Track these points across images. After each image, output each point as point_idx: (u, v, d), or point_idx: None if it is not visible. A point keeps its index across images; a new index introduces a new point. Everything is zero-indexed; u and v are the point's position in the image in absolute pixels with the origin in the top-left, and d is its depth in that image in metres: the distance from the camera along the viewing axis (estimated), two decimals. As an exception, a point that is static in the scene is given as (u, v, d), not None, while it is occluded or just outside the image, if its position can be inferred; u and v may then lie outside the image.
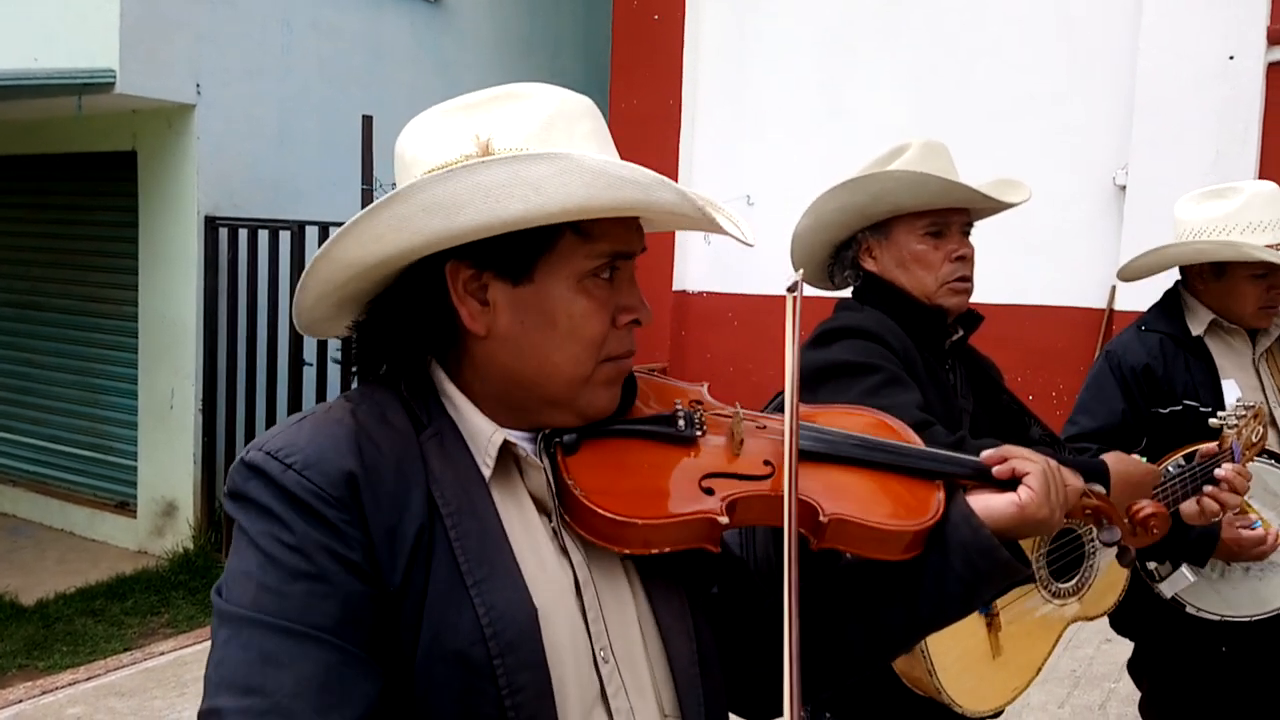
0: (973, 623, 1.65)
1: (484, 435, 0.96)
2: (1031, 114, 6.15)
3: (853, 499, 1.03)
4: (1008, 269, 5.50)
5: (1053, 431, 1.98)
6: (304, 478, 0.87)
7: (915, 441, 1.13)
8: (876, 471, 1.07)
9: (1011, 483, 1.06)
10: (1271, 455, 2.17)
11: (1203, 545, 2.08)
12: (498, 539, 0.91)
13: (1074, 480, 1.11)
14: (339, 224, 5.33)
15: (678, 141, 7.35)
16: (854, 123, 6.54)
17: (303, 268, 4.99)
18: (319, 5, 6.38)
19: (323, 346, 5.41)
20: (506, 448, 0.96)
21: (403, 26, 7.02)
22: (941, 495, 1.06)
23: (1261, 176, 5.56)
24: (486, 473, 0.94)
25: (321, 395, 5.44)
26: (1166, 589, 2.19)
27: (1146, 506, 1.28)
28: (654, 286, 7.00)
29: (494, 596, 0.88)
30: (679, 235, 7.32)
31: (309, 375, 5.42)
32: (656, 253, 7.24)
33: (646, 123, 7.39)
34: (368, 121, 4.86)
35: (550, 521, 0.98)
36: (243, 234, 5.68)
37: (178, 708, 3.86)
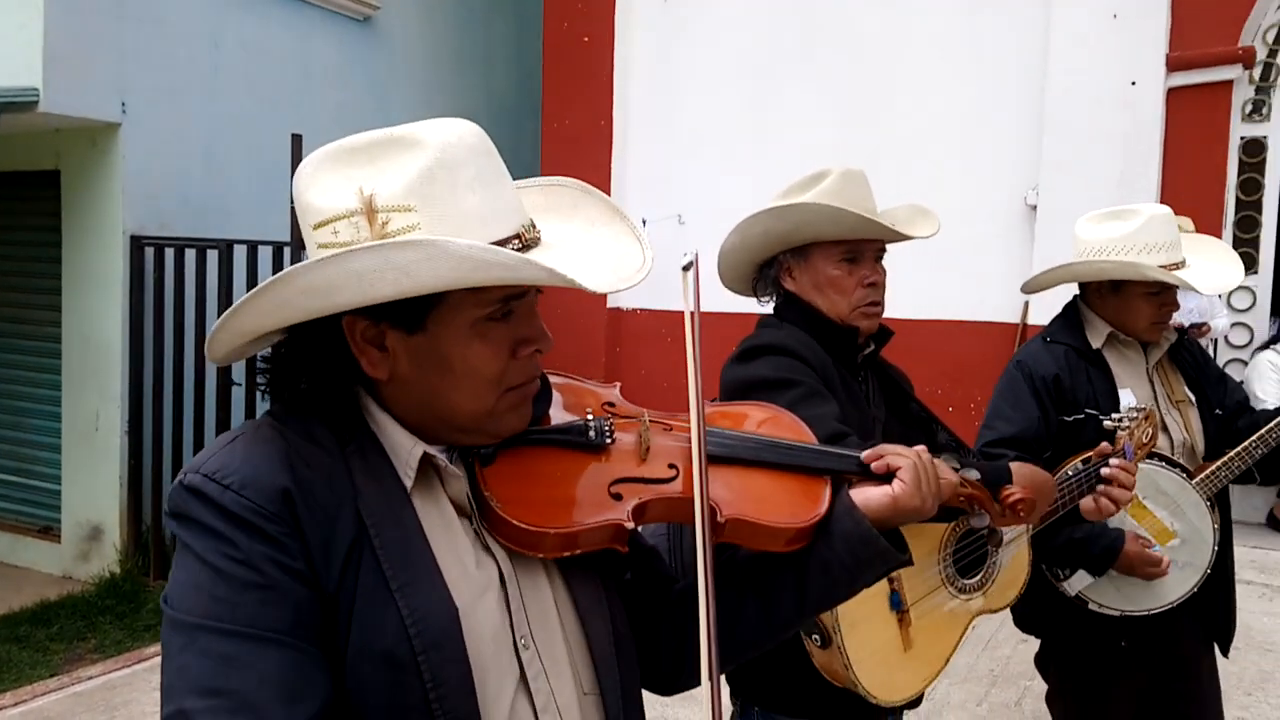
0: (885, 619, 1.76)
1: (405, 449, 1.02)
2: (948, 135, 6.40)
3: (750, 499, 1.13)
4: (927, 285, 5.71)
5: (959, 438, 2.10)
6: (243, 497, 0.93)
7: (808, 436, 1.24)
8: (772, 471, 1.17)
9: (889, 477, 1.17)
10: (1163, 459, 2.33)
11: (1105, 558, 2.24)
12: (420, 547, 0.98)
13: (947, 472, 1.23)
14: (267, 243, 5.30)
15: (610, 160, 7.47)
16: (780, 143, 6.72)
17: (230, 287, 4.95)
18: (247, 23, 6.35)
19: (251, 366, 5.38)
20: (426, 459, 1.03)
21: (332, 44, 7.02)
22: (829, 490, 1.17)
23: (1163, 195, 5.87)
24: (408, 484, 1.01)
25: (251, 415, 5.39)
26: (1070, 587, 2.33)
27: (1016, 493, 1.40)
28: (588, 305, 7.09)
29: (416, 600, 0.95)
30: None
31: (237, 395, 5.38)
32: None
33: (579, 141, 7.49)
34: (297, 140, 4.86)
35: (472, 523, 1.05)
36: (169, 253, 5.61)
37: (108, 733, 3.80)
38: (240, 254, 5.31)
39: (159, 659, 0.93)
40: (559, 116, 7.69)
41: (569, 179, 1.16)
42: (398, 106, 7.42)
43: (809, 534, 1.14)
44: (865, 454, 1.20)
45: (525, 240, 1.00)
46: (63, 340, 5.94)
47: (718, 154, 7.06)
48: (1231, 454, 2.33)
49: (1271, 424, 2.32)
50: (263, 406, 5.41)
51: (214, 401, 5.37)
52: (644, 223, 6.47)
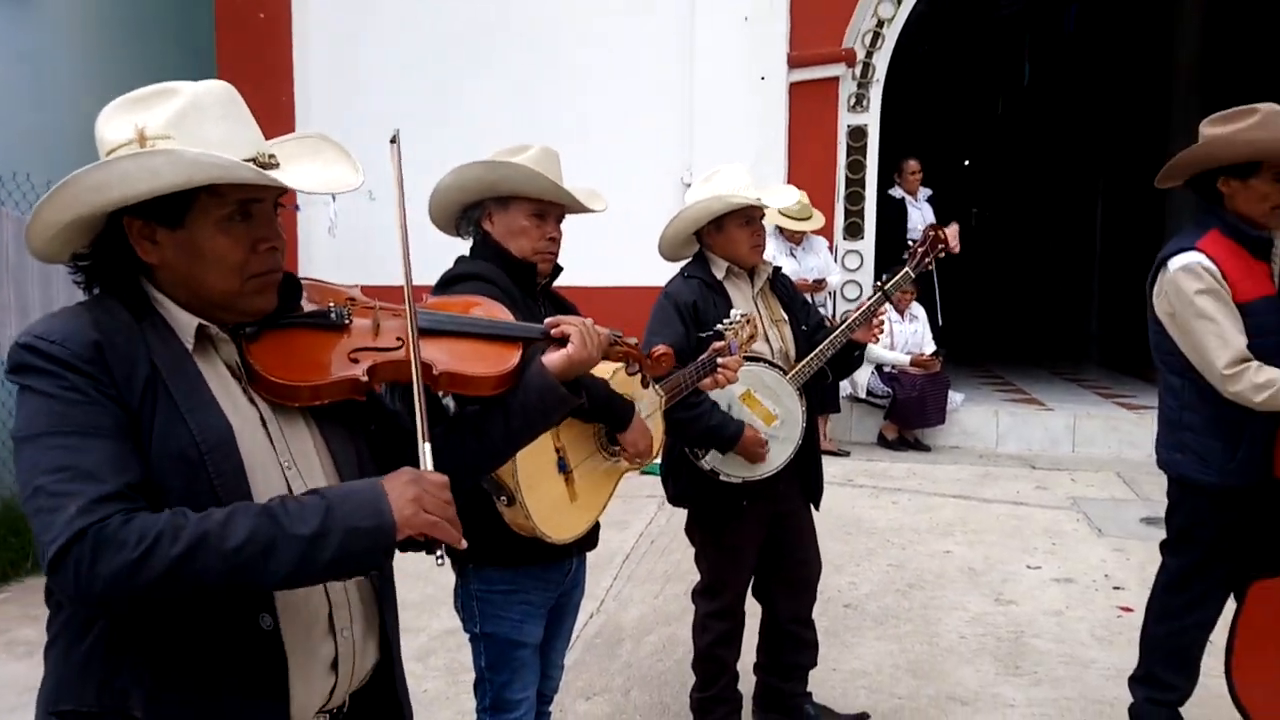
0: (555, 478, 2.27)
1: (183, 322, 1.38)
2: (616, 123, 7.11)
3: (458, 358, 1.58)
4: (605, 256, 6.38)
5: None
6: (65, 347, 1.27)
7: (508, 316, 1.72)
8: (477, 339, 1.64)
9: (565, 341, 1.68)
10: (766, 361, 3.05)
11: (730, 441, 2.90)
12: (201, 386, 1.36)
13: (605, 332, 1.76)
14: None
15: (293, 138, 7.51)
16: (467, 127, 7.11)
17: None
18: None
19: None
20: (202, 330, 1.39)
21: (-20, 14, 6.53)
22: (520, 351, 1.64)
23: (790, 173, 6.95)
24: (189, 346, 1.38)
25: None
26: (706, 464, 3.00)
27: (660, 348, 1.97)
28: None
29: (199, 417, 1.32)
30: (301, 227, 7.53)
31: None
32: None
33: (259, 118, 7.45)
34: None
35: (241, 384, 1.43)
36: None
37: None
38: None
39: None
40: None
41: (315, 132, 1.58)
42: (55, 78, 6.99)
43: (507, 380, 1.59)
44: (547, 322, 1.69)
45: (261, 162, 1.38)
46: None
47: (408, 134, 7.22)
48: (809, 357, 3.10)
49: (830, 338, 3.09)
50: None
51: None
52: (334, 198, 6.63)
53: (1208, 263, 2.68)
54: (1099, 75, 13.63)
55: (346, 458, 1.50)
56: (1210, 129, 2.74)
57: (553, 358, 1.66)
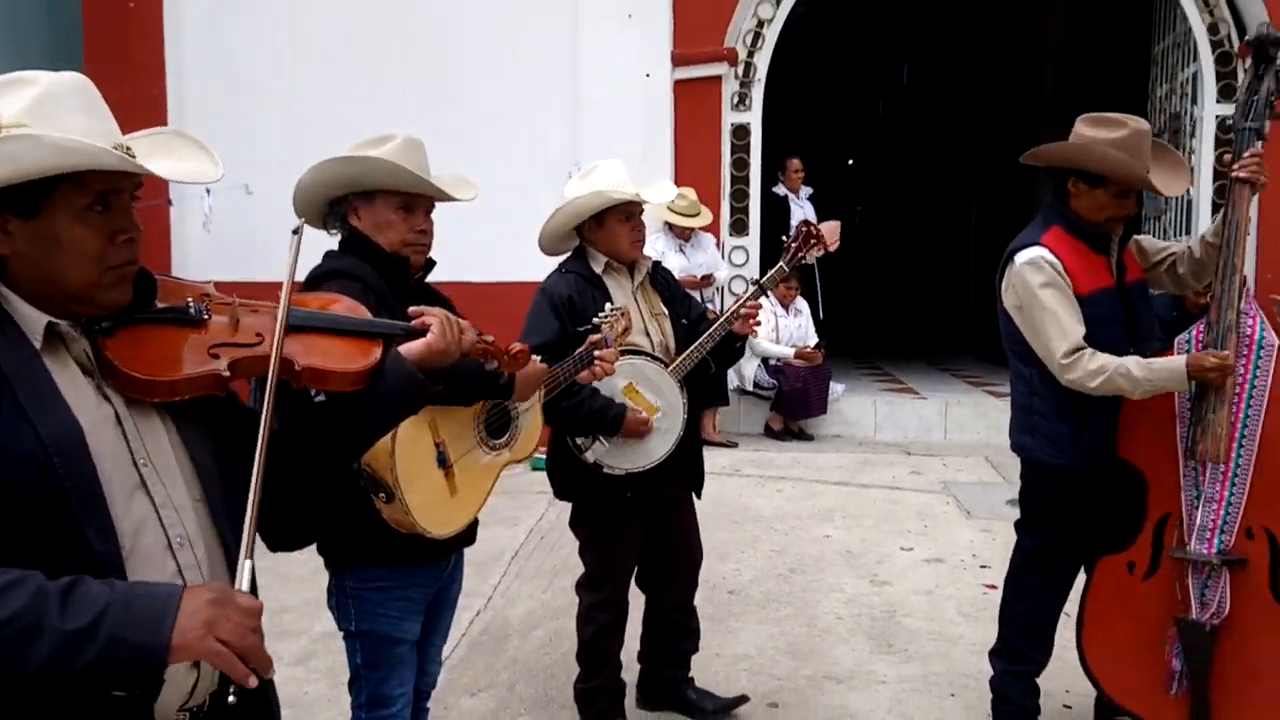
0: (434, 474, 2.28)
1: (31, 319, 1.35)
2: (504, 120, 7.07)
3: (319, 354, 1.58)
4: (491, 253, 6.36)
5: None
6: None
7: (367, 315, 1.72)
8: (338, 336, 1.64)
9: (426, 331, 1.69)
10: (647, 354, 3.11)
11: (615, 423, 2.95)
12: (49, 386, 1.33)
13: (469, 328, 1.78)
14: None
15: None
16: (349, 120, 6.95)
17: None
18: None
19: None
20: (51, 327, 1.36)
21: None
22: (381, 347, 1.66)
23: (677, 169, 7.04)
24: (37, 345, 1.34)
25: None
26: (589, 456, 3.04)
27: (517, 345, 1.99)
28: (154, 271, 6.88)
29: (46, 418, 1.29)
30: (174, 223, 7.27)
31: None
32: (155, 239, 7.16)
33: (129, 110, 7.10)
34: None
35: (93, 381, 1.40)
36: None
37: None
38: None
39: None
40: (102, 83, 7.25)
41: (169, 128, 1.55)
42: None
43: (367, 377, 1.61)
44: (411, 310, 1.70)
45: (120, 155, 1.35)
46: None
47: (285, 126, 7.13)
48: (690, 349, 3.17)
49: (710, 331, 3.17)
50: None
51: None
52: (208, 192, 6.45)
53: (1051, 257, 2.85)
54: (973, 76, 14.21)
55: (204, 455, 1.49)
56: (1083, 128, 2.92)
57: (412, 346, 1.66)
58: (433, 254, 2.49)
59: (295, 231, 1.58)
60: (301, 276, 2.26)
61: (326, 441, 1.64)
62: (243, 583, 1.27)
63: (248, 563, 1.29)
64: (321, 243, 2.48)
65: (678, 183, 6.91)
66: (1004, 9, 12.58)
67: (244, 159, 7.21)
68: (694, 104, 7.16)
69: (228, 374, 1.47)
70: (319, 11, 7.28)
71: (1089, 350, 2.75)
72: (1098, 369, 2.73)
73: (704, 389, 3.30)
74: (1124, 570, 2.93)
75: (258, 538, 1.37)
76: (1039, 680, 3.08)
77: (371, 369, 1.61)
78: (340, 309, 1.71)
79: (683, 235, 6.89)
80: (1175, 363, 2.71)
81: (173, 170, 1.43)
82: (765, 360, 7.17)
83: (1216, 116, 6.80)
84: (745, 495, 5.74)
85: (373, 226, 2.35)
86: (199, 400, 1.47)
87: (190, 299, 1.52)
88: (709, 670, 3.53)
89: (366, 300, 2.22)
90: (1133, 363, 2.72)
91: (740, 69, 7.31)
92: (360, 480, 2.18)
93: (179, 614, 1.17)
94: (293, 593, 4.20)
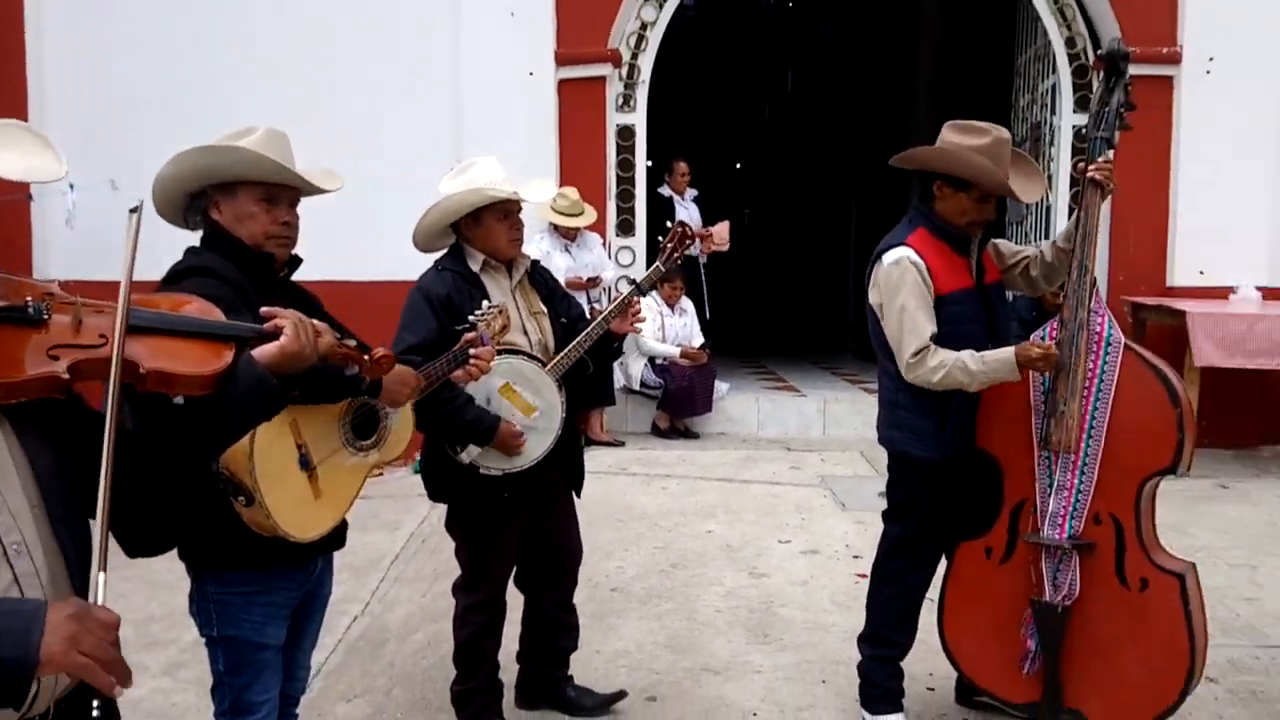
0: (296, 476, 2.22)
1: None
2: (384, 116, 6.94)
3: (165, 356, 1.53)
4: (365, 250, 6.22)
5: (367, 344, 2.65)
6: None
7: (219, 316, 1.68)
8: (187, 338, 1.59)
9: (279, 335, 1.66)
10: (524, 353, 3.10)
11: (489, 434, 2.94)
12: None
13: (326, 331, 1.74)
14: None
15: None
16: (222, 114, 6.71)
17: None
18: None
19: None
20: None
21: None
22: (232, 350, 1.61)
23: (562, 169, 7.03)
24: None
25: None
26: (465, 458, 3.02)
27: (380, 350, 1.97)
28: (14, 271, 6.53)
29: None
30: (37, 221, 6.92)
31: None
32: (14, 236, 6.82)
33: (-17, 101, 6.80)
34: None
35: None
36: None
37: None
38: None
39: None
40: (-48, 74, 6.89)
41: (12, 120, 1.48)
42: None
43: (217, 381, 1.56)
44: (263, 312, 1.66)
45: None
46: None
47: (154, 121, 6.80)
48: (568, 349, 3.18)
49: (587, 330, 3.19)
50: None
51: None
52: (72, 188, 6.15)
53: (915, 257, 2.97)
54: (853, 85, 14.64)
55: (45, 460, 1.43)
56: (949, 134, 3.05)
57: (265, 350, 1.62)
58: (307, 251, 2.43)
59: (133, 210, 1.51)
60: (157, 269, 2.22)
61: (179, 444, 1.59)
62: (98, 596, 1.25)
63: (101, 575, 1.26)
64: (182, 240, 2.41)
65: (564, 182, 6.93)
66: (881, 20, 13.01)
67: (110, 154, 6.92)
68: (579, 104, 7.16)
69: (67, 376, 1.41)
70: (188, 3, 7.02)
71: (932, 347, 2.88)
72: (938, 365, 2.87)
73: (584, 388, 3.30)
74: (982, 555, 3.07)
75: (115, 544, 1.33)
76: (904, 664, 3.21)
77: (221, 373, 1.57)
78: (192, 310, 1.66)
79: (568, 235, 6.90)
80: (1005, 353, 2.86)
81: (11, 167, 1.37)
82: (652, 360, 7.24)
83: (1073, 126, 7.15)
84: (630, 494, 5.79)
85: (234, 219, 2.28)
86: (41, 403, 1.41)
87: (29, 298, 1.46)
88: (589, 668, 3.55)
89: (229, 297, 2.18)
90: (969, 356, 2.86)
91: (624, 70, 7.35)
92: (219, 483, 2.12)
93: (44, 628, 1.17)
94: (161, 602, 4.05)
